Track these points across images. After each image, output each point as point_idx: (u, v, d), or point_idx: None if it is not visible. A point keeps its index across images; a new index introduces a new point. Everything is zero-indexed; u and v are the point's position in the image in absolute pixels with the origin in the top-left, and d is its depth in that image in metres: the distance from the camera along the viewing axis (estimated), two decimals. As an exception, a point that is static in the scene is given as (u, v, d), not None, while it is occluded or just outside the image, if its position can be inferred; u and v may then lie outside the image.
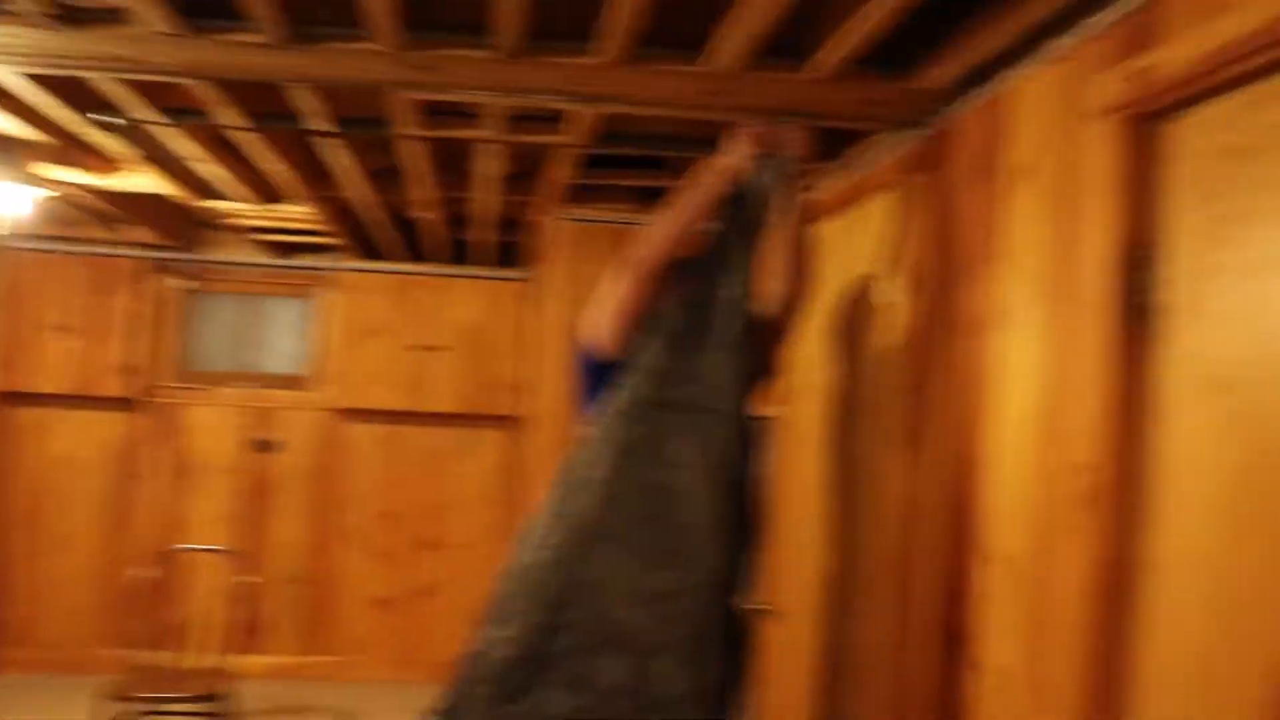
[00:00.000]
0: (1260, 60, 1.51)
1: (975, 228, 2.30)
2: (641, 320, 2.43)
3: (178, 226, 5.60)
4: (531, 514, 2.48)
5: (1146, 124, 1.76)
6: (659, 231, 2.44)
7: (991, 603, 2.12)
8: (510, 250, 5.86)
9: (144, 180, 4.04)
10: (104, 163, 3.86)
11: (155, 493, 5.98)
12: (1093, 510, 1.77)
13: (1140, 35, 1.79)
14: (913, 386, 2.51)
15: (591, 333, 2.50)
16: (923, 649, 2.39)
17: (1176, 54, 1.67)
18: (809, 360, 3.26)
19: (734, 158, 2.42)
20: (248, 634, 5.70)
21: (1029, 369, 2.04)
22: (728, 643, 2.41)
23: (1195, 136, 1.68)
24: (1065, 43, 2.01)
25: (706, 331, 2.41)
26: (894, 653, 2.52)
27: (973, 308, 2.29)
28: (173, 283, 6.03)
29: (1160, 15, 1.74)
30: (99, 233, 5.54)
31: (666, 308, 2.43)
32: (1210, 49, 1.59)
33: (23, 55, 2.39)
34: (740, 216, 2.45)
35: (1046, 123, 2.05)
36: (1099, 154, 1.84)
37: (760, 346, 2.50)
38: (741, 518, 2.43)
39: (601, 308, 2.48)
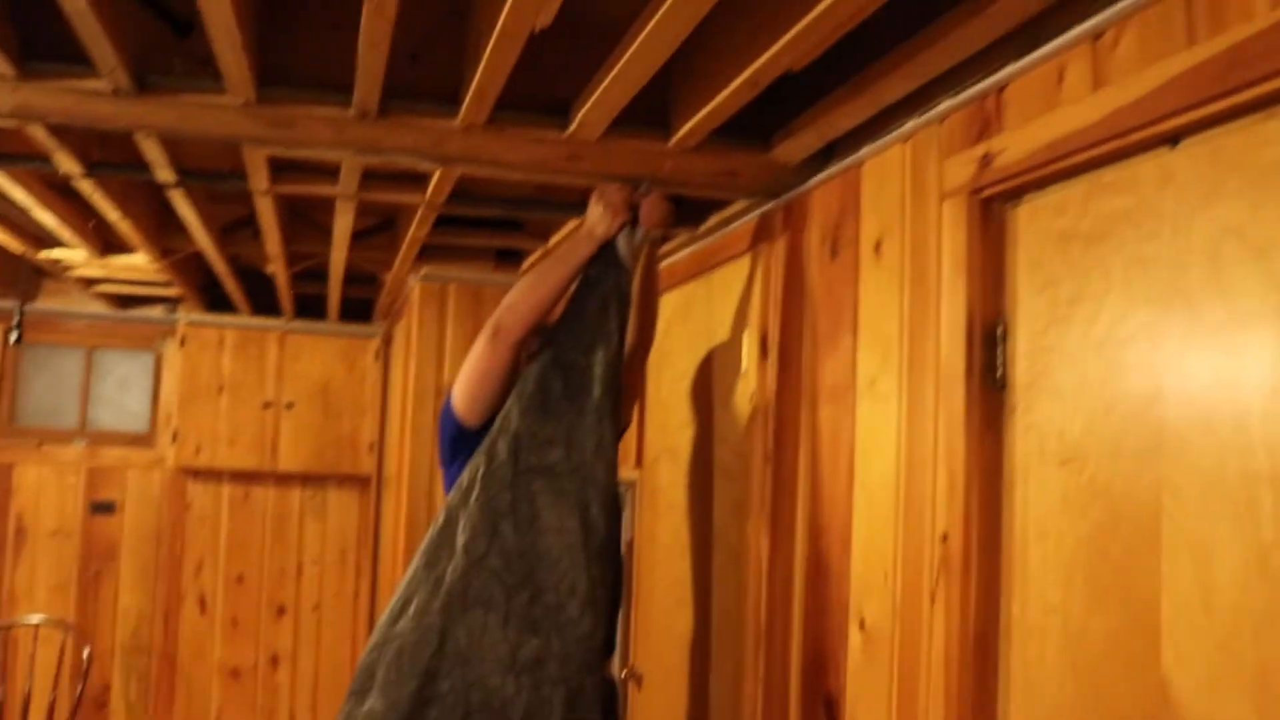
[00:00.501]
0: (1093, 153, 1.58)
1: (830, 297, 2.35)
2: (507, 386, 2.42)
3: (7, 275, 5.33)
4: (398, 581, 2.42)
5: (992, 206, 1.83)
6: (530, 297, 2.43)
7: (861, 670, 2.13)
8: (362, 306, 5.75)
9: (-28, 227, 3.84)
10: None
11: (-23, 558, 5.63)
12: (952, 577, 1.80)
13: (984, 122, 1.86)
14: (771, 453, 2.53)
15: (458, 398, 2.47)
16: (796, 717, 2.39)
17: (1017, 143, 1.74)
18: (666, 424, 3.27)
19: (606, 223, 2.43)
20: (88, 710, 5.38)
21: (887, 438, 2.07)
22: (599, 710, 2.38)
23: (1038, 220, 1.75)
24: (912, 123, 2.08)
25: (572, 395, 2.40)
26: (765, 717, 2.52)
27: (831, 377, 2.32)
28: (1, 334, 5.72)
29: (1002, 105, 1.82)
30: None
31: (530, 371, 2.42)
32: (1047, 141, 1.66)
33: None
34: (603, 279, 2.46)
35: (897, 199, 2.11)
36: (948, 233, 1.89)
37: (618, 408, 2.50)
38: (609, 582, 2.42)
39: (468, 374, 2.45)
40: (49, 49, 2.22)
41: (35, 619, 4.59)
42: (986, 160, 1.80)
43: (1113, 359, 1.55)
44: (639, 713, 3.33)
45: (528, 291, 2.45)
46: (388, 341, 5.70)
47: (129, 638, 5.76)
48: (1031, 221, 1.77)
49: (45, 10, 2.11)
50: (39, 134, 2.51)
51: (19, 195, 3.19)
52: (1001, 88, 1.82)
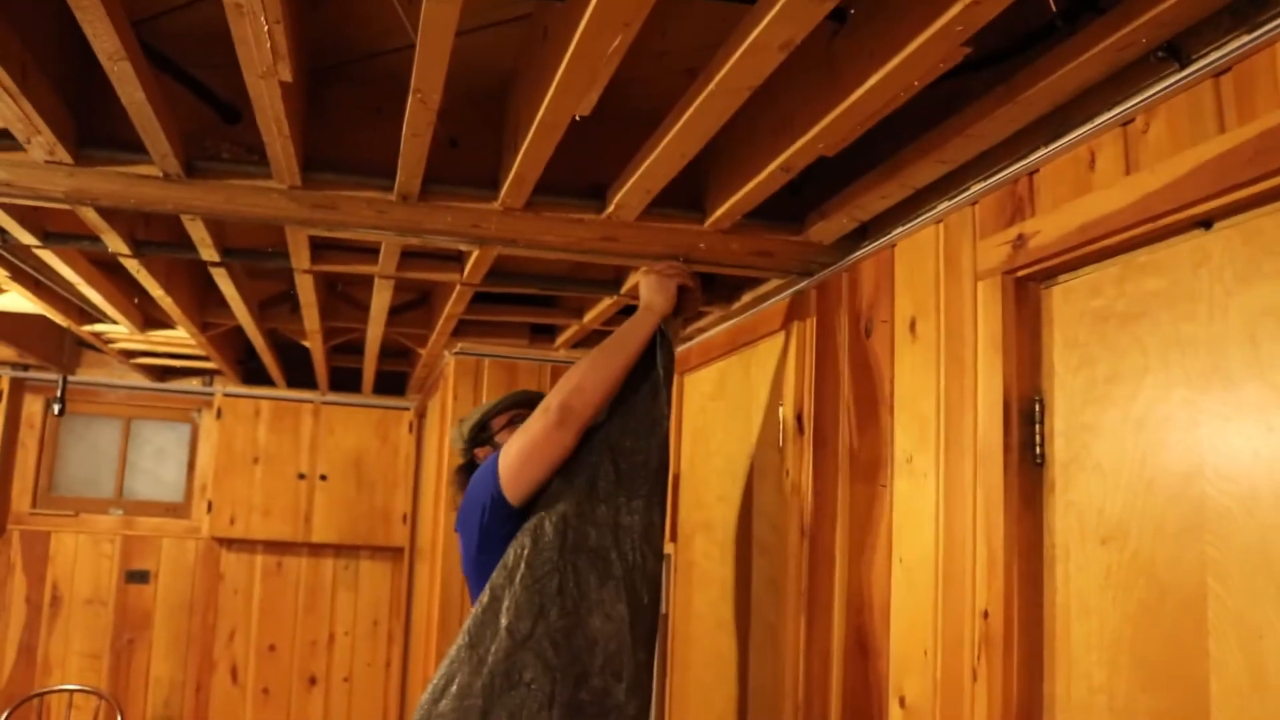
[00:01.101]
0: (1126, 236, 1.61)
1: (865, 375, 2.37)
2: (558, 468, 2.40)
3: (50, 346, 5.43)
4: (431, 653, 2.42)
5: (1026, 286, 1.85)
6: (596, 378, 2.39)
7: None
8: (397, 380, 5.80)
9: (17, 301, 3.92)
10: (-22, 284, 3.74)
11: (16, 626, 5.65)
12: (993, 655, 1.80)
13: (1016, 205, 1.89)
14: (808, 529, 2.54)
15: (506, 472, 2.42)
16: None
17: (1051, 226, 1.77)
18: (701, 499, 3.28)
19: (663, 295, 2.45)
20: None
21: (925, 515, 2.08)
22: None
23: (1072, 300, 1.77)
24: (943, 207, 2.11)
25: (622, 480, 2.42)
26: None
27: (867, 453, 2.33)
28: (42, 404, 5.80)
29: (1034, 188, 1.85)
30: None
31: (580, 454, 2.43)
32: (1080, 224, 1.69)
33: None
34: (651, 361, 2.48)
35: (931, 279, 2.14)
36: (983, 312, 1.91)
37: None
38: (651, 667, 2.42)
39: (524, 451, 2.40)
40: (102, 135, 2.29)
41: (70, 687, 4.60)
42: (1020, 242, 1.83)
43: (1153, 437, 1.56)
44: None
45: (593, 372, 2.39)
46: (421, 414, 5.75)
47: (161, 707, 5.76)
48: (1066, 301, 1.79)
49: (99, 98, 2.19)
50: (90, 216, 2.58)
51: (67, 273, 3.26)
52: (1033, 171, 1.85)
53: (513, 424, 2.75)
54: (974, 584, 1.89)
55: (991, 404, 1.87)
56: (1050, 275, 1.82)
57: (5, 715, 4.41)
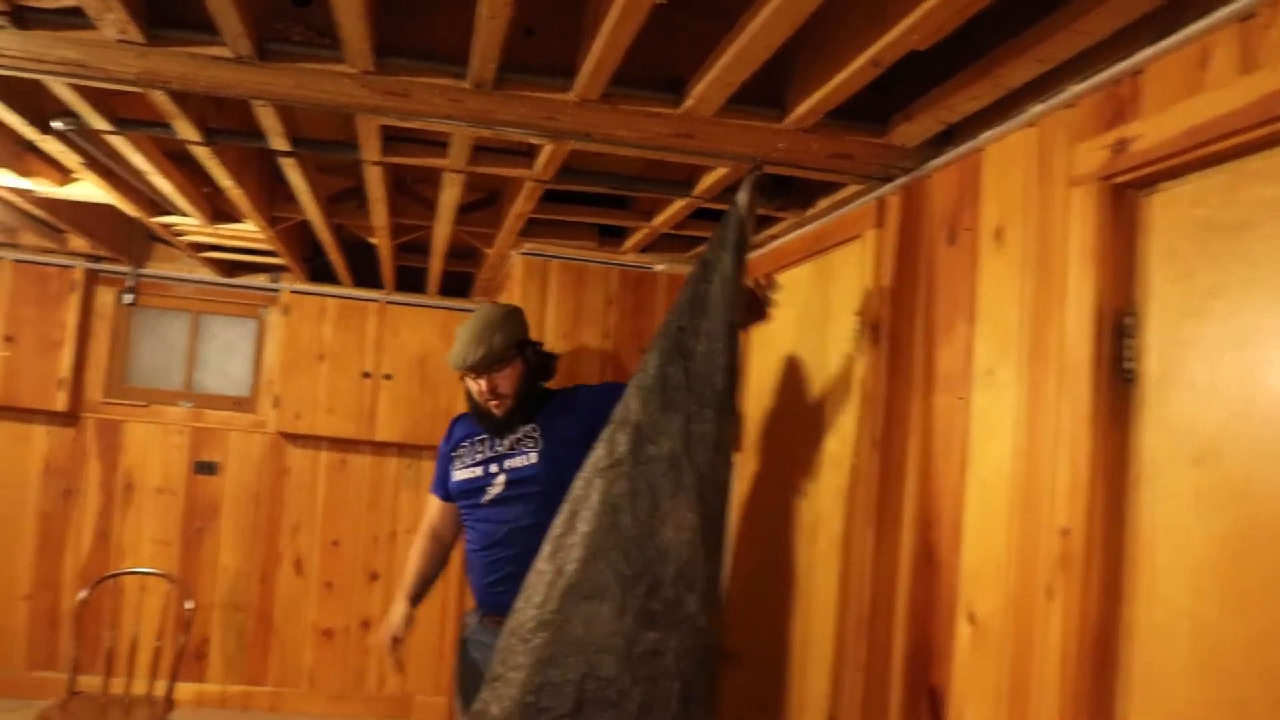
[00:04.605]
0: (1240, 140, 1.51)
1: (946, 285, 2.29)
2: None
3: (122, 239, 5.48)
4: (530, 570, 2.44)
5: (1125, 194, 1.76)
6: None
7: (970, 664, 2.08)
8: (461, 280, 5.79)
9: (90, 190, 3.93)
10: (50, 170, 3.75)
11: (92, 511, 5.81)
12: (1071, 574, 1.75)
13: (1118, 107, 1.79)
14: (879, 441, 2.49)
15: None
16: (898, 707, 2.35)
17: (1155, 129, 1.67)
18: (768, 408, 3.24)
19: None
20: (185, 661, 5.54)
21: (1004, 429, 2.02)
22: (713, 704, 2.39)
23: (1176, 209, 1.68)
24: (1037, 109, 2.01)
25: (692, 385, 2.38)
26: (864, 708, 2.48)
27: (945, 365, 2.27)
28: (114, 296, 5.88)
29: (1139, 89, 1.75)
30: (39, 241, 5.40)
31: (649, 360, 2.40)
32: (1189, 127, 1.59)
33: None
34: (721, 259, 2.43)
35: (1019, 185, 2.05)
36: (1076, 221, 1.83)
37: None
38: (720, 577, 2.42)
39: None
40: (173, 14, 2.25)
41: (143, 570, 4.71)
42: (1120, 146, 1.74)
43: (1256, 354, 1.49)
44: (730, 692, 3.31)
45: None
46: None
47: (227, 594, 5.90)
48: (1167, 210, 1.70)
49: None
50: (161, 100, 2.56)
51: (138, 160, 3.25)
52: (1138, 71, 1.75)
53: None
54: (1053, 501, 1.83)
55: (1081, 316, 1.79)
56: (1151, 182, 1.73)
57: (84, 593, 4.53)
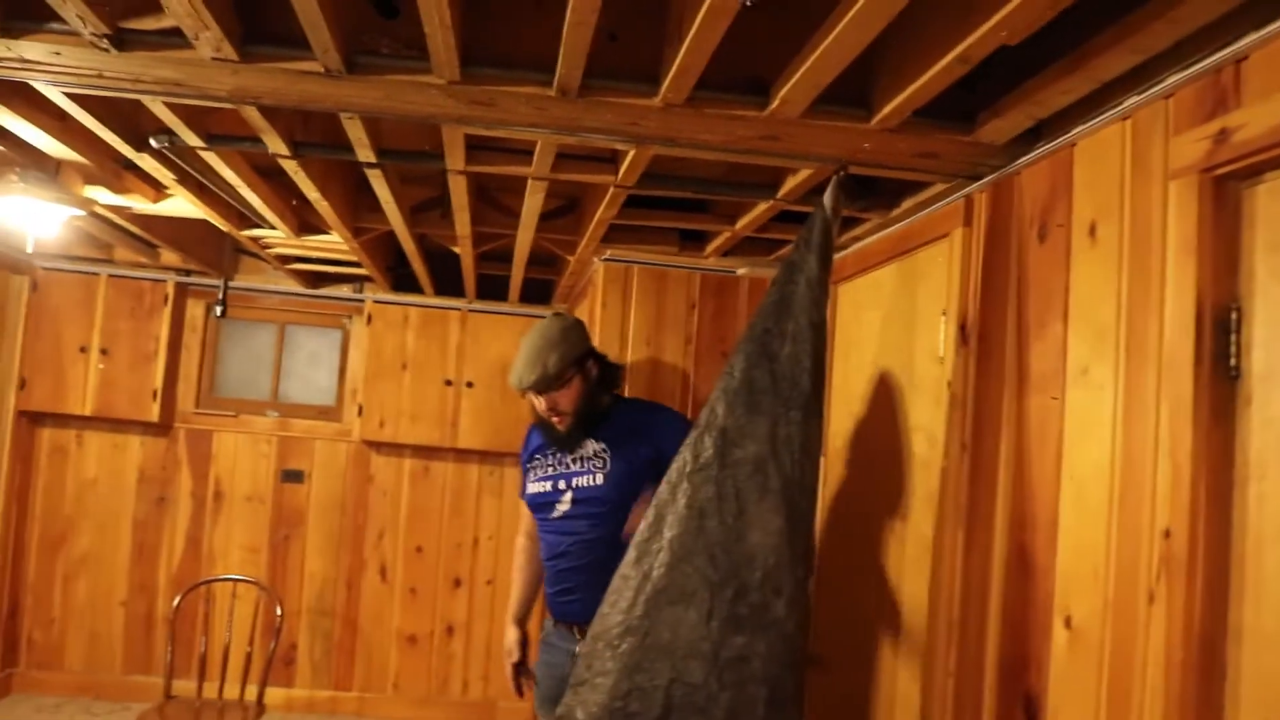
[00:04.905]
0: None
1: (1038, 282, 2.25)
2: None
3: (212, 253, 5.60)
4: (615, 575, 2.46)
5: (1226, 186, 1.72)
6: None
7: (1066, 670, 2.04)
8: (540, 288, 5.83)
9: (183, 206, 4.03)
10: (145, 187, 3.85)
11: (184, 519, 5.96)
12: (1174, 577, 1.71)
13: (1219, 96, 1.75)
14: (969, 443, 2.45)
15: None
16: (991, 714, 2.31)
17: (1259, 118, 1.63)
18: (853, 410, 3.21)
19: None
20: (275, 666, 5.65)
21: (1101, 428, 1.98)
22: (800, 709, 2.38)
23: (1282, 199, 1.63)
24: (1131, 102, 1.97)
25: (778, 389, 2.37)
26: (956, 715, 2.44)
27: (1037, 364, 2.23)
28: (204, 308, 6.02)
29: (1241, 77, 1.70)
30: (130, 255, 5.54)
31: (734, 363, 2.40)
32: (1299, 111, 1.54)
33: (70, 74, 2.37)
34: (806, 261, 2.42)
35: (1114, 180, 2.01)
36: (1175, 214, 1.79)
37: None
38: (809, 580, 2.40)
39: None
40: (265, 32, 2.30)
41: (234, 577, 4.81)
42: (1222, 137, 1.69)
43: (1369, 350, 1.44)
44: (816, 696, 3.28)
45: None
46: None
47: (314, 600, 6.00)
48: (1273, 201, 1.65)
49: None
50: (252, 115, 2.61)
51: (229, 175, 3.33)
52: (1241, 58, 1.71)
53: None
54: (1154, 501, 1.79)
55: (1181, 312, 1.75)
56: (1255, 173, 1.68)
57: (177, 600, 4.65)
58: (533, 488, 3.20)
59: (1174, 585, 1.71)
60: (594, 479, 3.01)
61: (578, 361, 3.06)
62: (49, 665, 5.86)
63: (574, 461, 3.09)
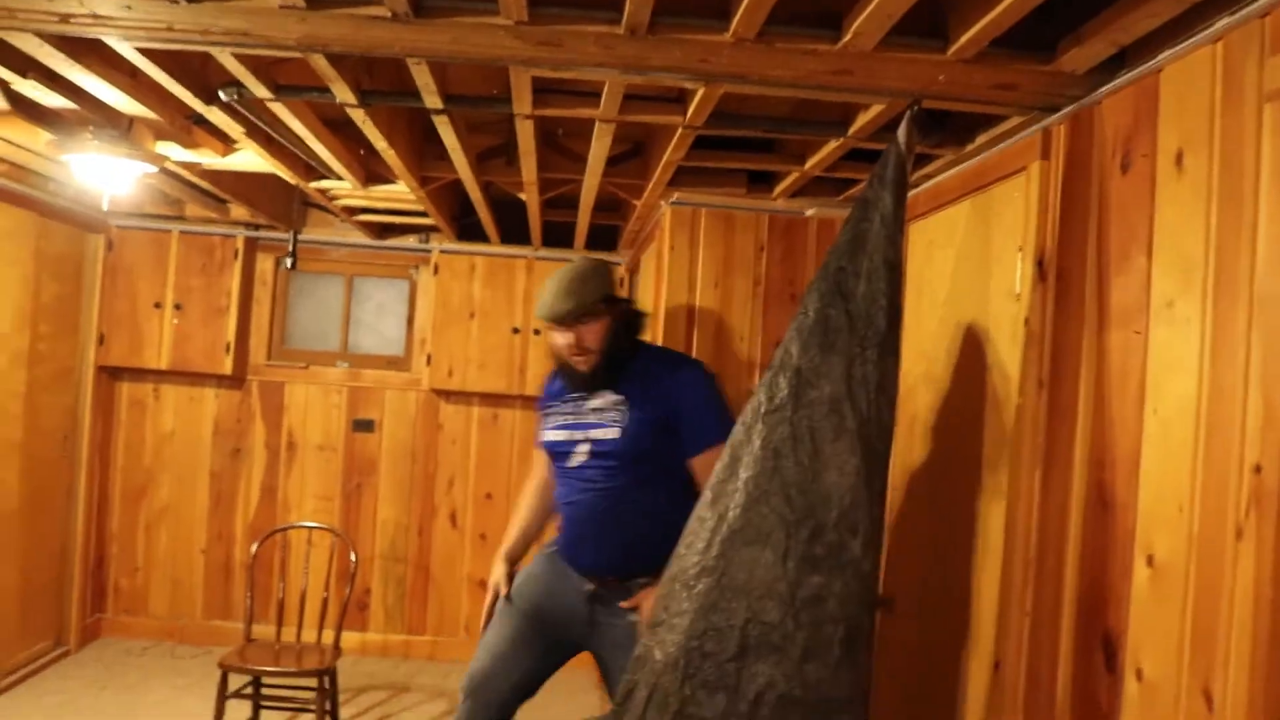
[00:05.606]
0: None
1: (1120, 215, 2.20)
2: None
3: (280, 206, 5.66)
4: (690, 517, 2.46)
5: (1324, 106, 1.66)
6: None
7: (1148, 609, 2.01)
8: (605, 234, 5.82)
9: (251, 159, 4.07)
10: (214, 141, 3.89)
11: (259, 469, 6.08)
12: (1266, 512, 1.67)
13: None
14: (1047, 380, 2.41)
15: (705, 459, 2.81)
16: (1069, 654, 2.29)
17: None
18: (926, 349, 3.17)
19: None
20: (350, 611, 5.77)
21: (1188, 364, 1.93)
22: (869, 643, 2.39)
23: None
24: (1223, 23, 1.90)
25: (853, 326, 2.35)
26: (1032, 654, 2.43)
27: (1119, 299, 2.18)
28: (273, 262, 6.10)
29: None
30: (201, 210, 5.62)
31: (808, 301, 2.37)
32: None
33: (138, 28, 2.39)
34: (881, 197, 2.38)
35: (1203, 106, 1.94)
36: (1269, 140, 1.73)
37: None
38: (883, 515, 2.39)
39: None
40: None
41: (308, 524, 4.90)
42: (1320, 57, 1.63)
43: None
44: (888, 639, 3.28)
45: None
46: (633, 269, 5.76)
47: (388, 546, 6.11)
48: (1373, 124, 1.59)
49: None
50: (320, 63, 2.61)
51: (297, 126, 3.35)
52: (1340, -25, 1.64)
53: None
54: (1244, 437, 1.75)
55: (1275, 243, 1.70)
56: (1355, 94, 1.62)
57: (254, 547, 4.75)
58: (550, 435, 3.17)
59: (1264, 520, 1.67)
60: (611, 432, 2.99)
61: (608, 299, 3.04)
62: (135, 611, 6.04)
63: (592, 412, 3.06)
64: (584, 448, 3.04)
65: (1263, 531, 1.68)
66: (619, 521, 2.95)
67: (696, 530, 2.39)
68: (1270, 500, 1.66)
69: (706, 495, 2.40)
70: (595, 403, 3.06)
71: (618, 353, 3.05)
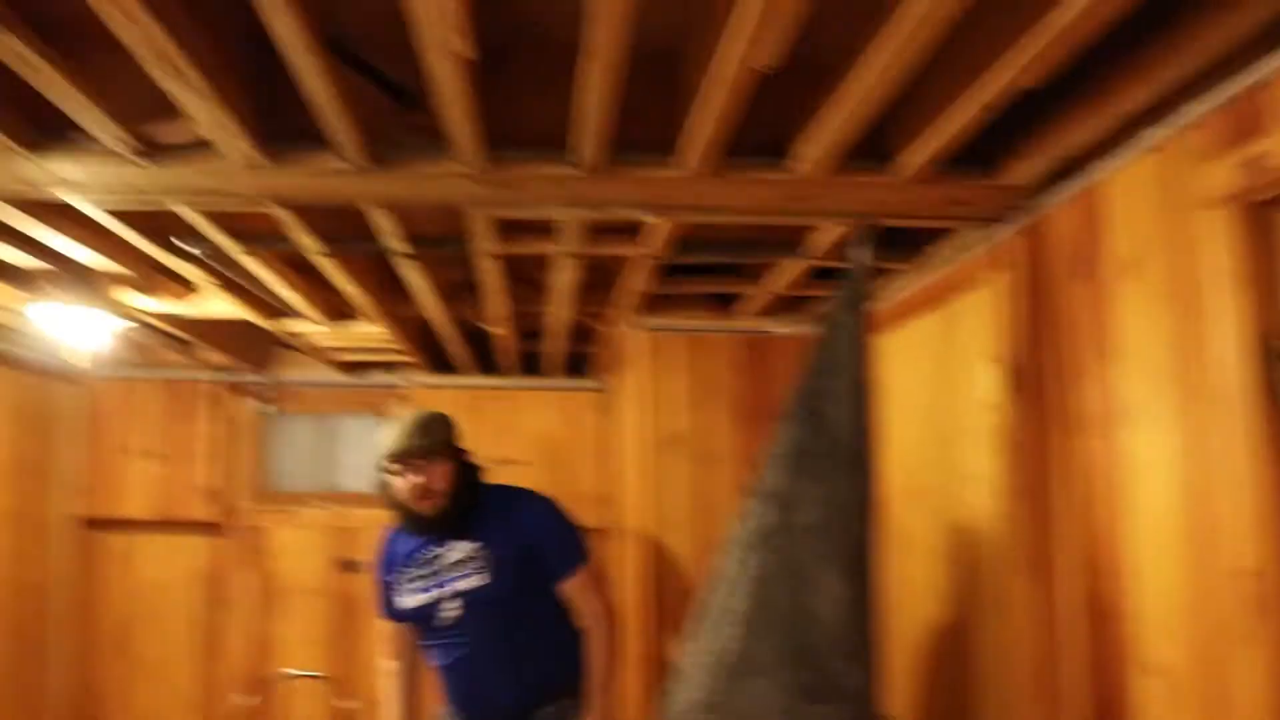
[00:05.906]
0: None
1: (1079, 323, 2.23)
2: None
3: (252, 349, 5.67)
4: (681, 650, 2.43)
5: (1264, 212, 1.69)
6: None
7: (1157, 716, 1.98)
8: (581, 360, 5.84)
9: (220, 305, 4.08)
10: (182, 289, 3.91)
11: (245, 616, 5.96)
12: (1268, 616, 1.65)
13: (1247, 122, 1.73)
14: (1027, 489, 2.41)
15: (586, 580, 2.95)
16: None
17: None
18: (904, 463, 3.17)
19: None
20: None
21: (1163, 468, 1.94)
22: None
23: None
24: (1160, 132, 1.95)
25: (828, 450, 2.35)
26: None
27: (1087, 405, 2.19)
28: (250, 404, 6.08)
29: (1270, 101, 1.68)
30: (175, 358, 5.62)
31: (781, 426, 2.38)
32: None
33: (106, 192, 2.43)
34: (847, 317, 2.41)
35: (1147, 214, 1.99)
36: (1214, 245, 1.76)
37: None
38: (879, 641, 2.36)
39: (602, 581, 3.00)
40: (288, 132, 2.33)
41: (299, 672, 4.79)
42: (1256, 162, 1.67)
43: None
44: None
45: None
46: (607, 394, 5.77)
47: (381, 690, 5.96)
48: (1313, 225, 1.63)
49: (278, 96, 2.23)
50: (282, 215, 2.65)
51: (263, 274, 3.37)
52: (1265, 84, 1.69)
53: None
54: (1234, 540, 1.74)
55: (1234, 344, 1.72)
56: (1292, 197, 1.66)
57: (245, 699, 4.64)
58: (409, 601, 2.98)
59: (1267, 625, 1.65)
60: (479, 579, 2.87)
61: (453, 444, 2.96)
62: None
63: (452, 566, 2.92)
64: (454, 603, 2.88)
65: (1266, 636, 1.65)
66: (520, 655, 2.83)
67: (692, 666, 2.36)
68: (1270, 603, 1.64)
69: (698, 626, 2.38)
70: (453, 556, 2.92)
71: (464, 498, 2.94)
